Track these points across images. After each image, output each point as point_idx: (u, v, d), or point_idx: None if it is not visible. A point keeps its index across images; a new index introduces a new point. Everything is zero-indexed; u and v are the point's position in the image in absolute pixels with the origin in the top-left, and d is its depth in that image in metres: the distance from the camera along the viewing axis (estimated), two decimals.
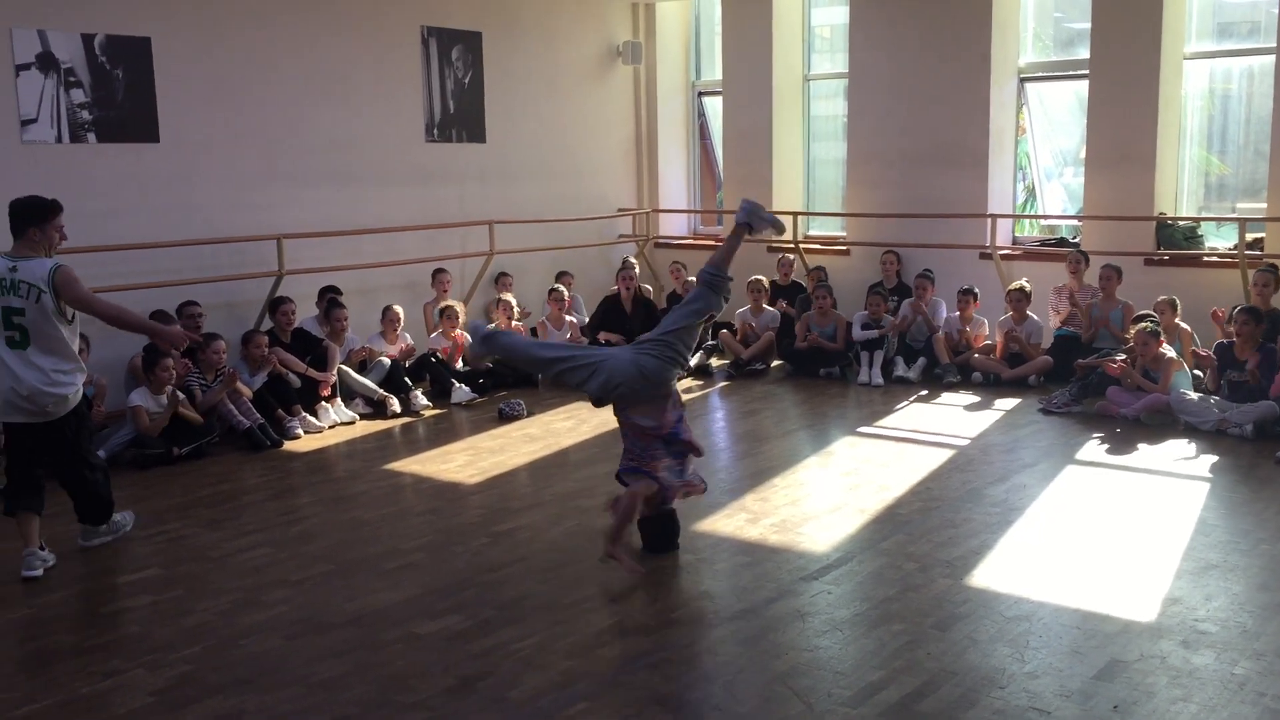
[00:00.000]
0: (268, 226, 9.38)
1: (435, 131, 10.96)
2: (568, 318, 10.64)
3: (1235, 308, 8.47)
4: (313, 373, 8.71)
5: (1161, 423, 8.24)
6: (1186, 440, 7.83)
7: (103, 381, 7.75)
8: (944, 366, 10.04)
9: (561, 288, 10.75)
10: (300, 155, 9.82)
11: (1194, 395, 8.16)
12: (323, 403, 8.70)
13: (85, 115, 8.48)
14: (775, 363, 10.95)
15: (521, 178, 11.72)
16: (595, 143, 12.71)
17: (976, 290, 10.30)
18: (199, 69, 9.08)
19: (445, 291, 10.47)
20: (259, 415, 8.11)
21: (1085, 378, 8.85)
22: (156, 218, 8.82)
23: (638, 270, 12.25)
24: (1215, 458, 7.40)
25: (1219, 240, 10.36)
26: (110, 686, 4.32)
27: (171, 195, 8.96)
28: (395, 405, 9.05)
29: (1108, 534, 5.95)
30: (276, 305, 8.95)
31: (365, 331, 9.65)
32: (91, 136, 8.53)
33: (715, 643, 4.71)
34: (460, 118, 11.18)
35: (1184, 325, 9.12)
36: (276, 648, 4.67)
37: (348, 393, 9.04)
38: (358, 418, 8.86)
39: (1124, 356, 8.66)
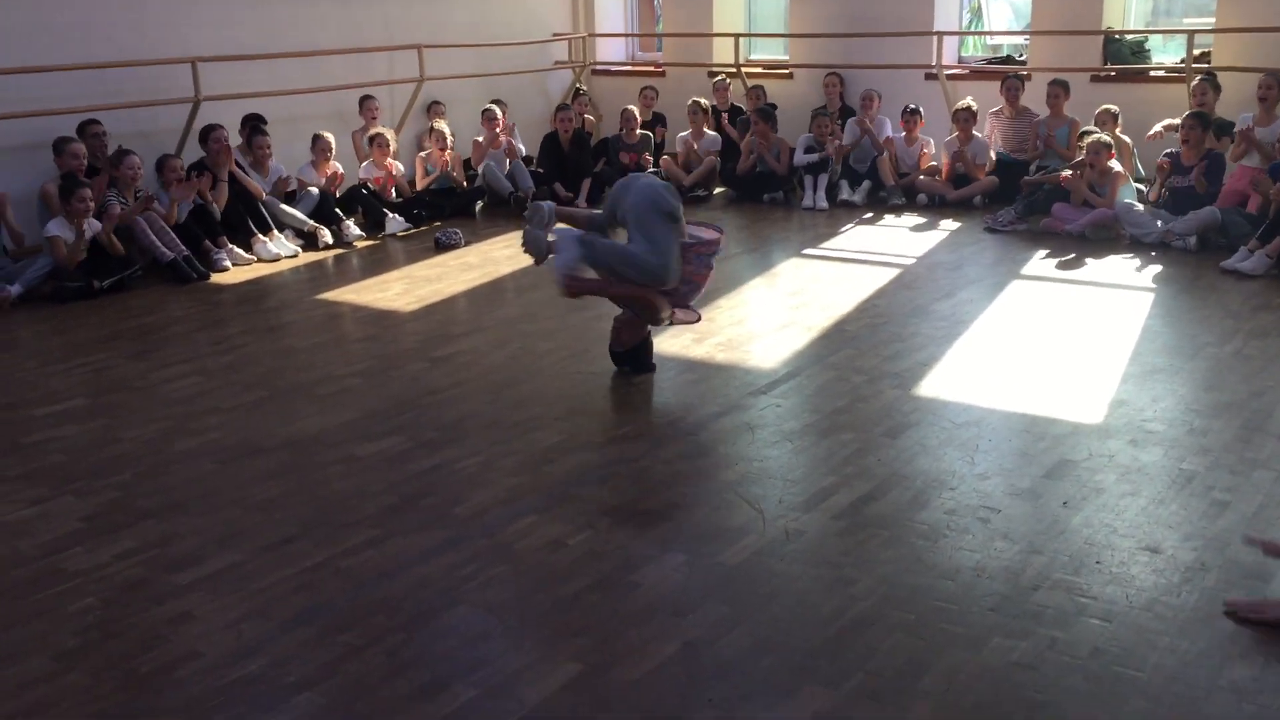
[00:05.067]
0: (180, 49, 8.83)
1: None
2: (504, 138, 10.25)
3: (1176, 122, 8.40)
4: (250, 183, 8.44)
5: (1106, 238, 8.20)
6: (1131, 254, 7.81)
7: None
8: (889, 189, 9.88)
9: (495, 108, 10.33)
10: None
11: (1139, 206, 8.11)
12: (261, 237, 8.33)
13: None
14: (718, 189, 10.72)
15: None
16: None
17: (921, 110, 10.07)
18: None
19: (374, 119, 10.01)
20: (184, 247, 7.76)
21: (1031, 194, 8.75)
22: (54, 38, 8.20)
23: (589, 99, 11.83)
24: (1159, 268, 7.40)
25: (1165, 55, 10.19)
26: (37, 514, 4.14)
27: (70, 13, 8.34)
28: (327, 237, 8.72)
29: (1054, 343, 5.93)
30: (208, 134, 8.45)
31: (291, 162, 9.23)
32: None
33: (664, 456, 4.62)
34: None
35: (1125, 138, 8.99)
36: (210, 472, 4.51)
37: (277, 225, 8.67)
38: (300, 250, 8.52)
39: (1069, 173, 8.55)
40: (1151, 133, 8.97)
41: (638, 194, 5.35)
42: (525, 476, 4.41)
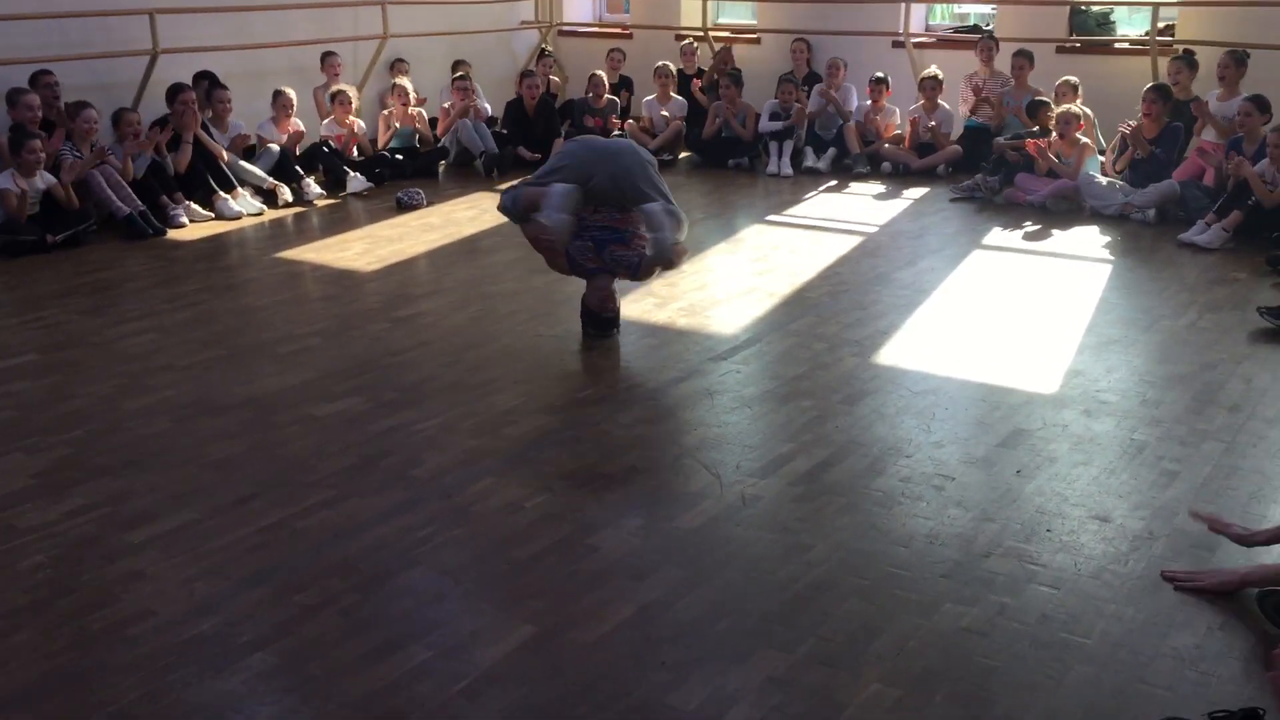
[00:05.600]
0: (139, 0, 8.64)
1: None
2: (472, 102, 10.16)
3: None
4: (213, 145, 8.30)
5: (1067, 209, 8.26)
6: (1090, 225, 7.87)
7: None
8: (854, 157, 9.89)
9: (468, 78, 10.23)
10: None
11: (1101, 179, 8.17)
12: (222, 194, 8.20)
13: None
14: (683, 154, 10.68)
15: None
16: None
17: (888, 79, 10.06)
18: None
19: (336, 75, 9.87)
20: (139, 202, 7.63)
21: (1014, 166, 8.68)
22: None
23: (554, 60, 11.71)
24: (1118, 240, 7.47)
25: (1131, 28, 10.23)
26: None
27: None
28: (286, 194, 8.60)
29: (1012, 313, 5.98)
30: (175, 93, 8.27)
31: (252, 118, 9.09)
32: None
33: (623, 420, 4.63)
34: None
35: (1086, 109, 9.02)
36: (166, 430, 4.47)
37: (238, 181, 8.54)
38: (265, 208, 8.39)
39: (1030, 139, 8.57)
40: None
41: (624, 161, 5.33)
42: (484, 439, 4.40)
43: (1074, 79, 9.01)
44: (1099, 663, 2.95)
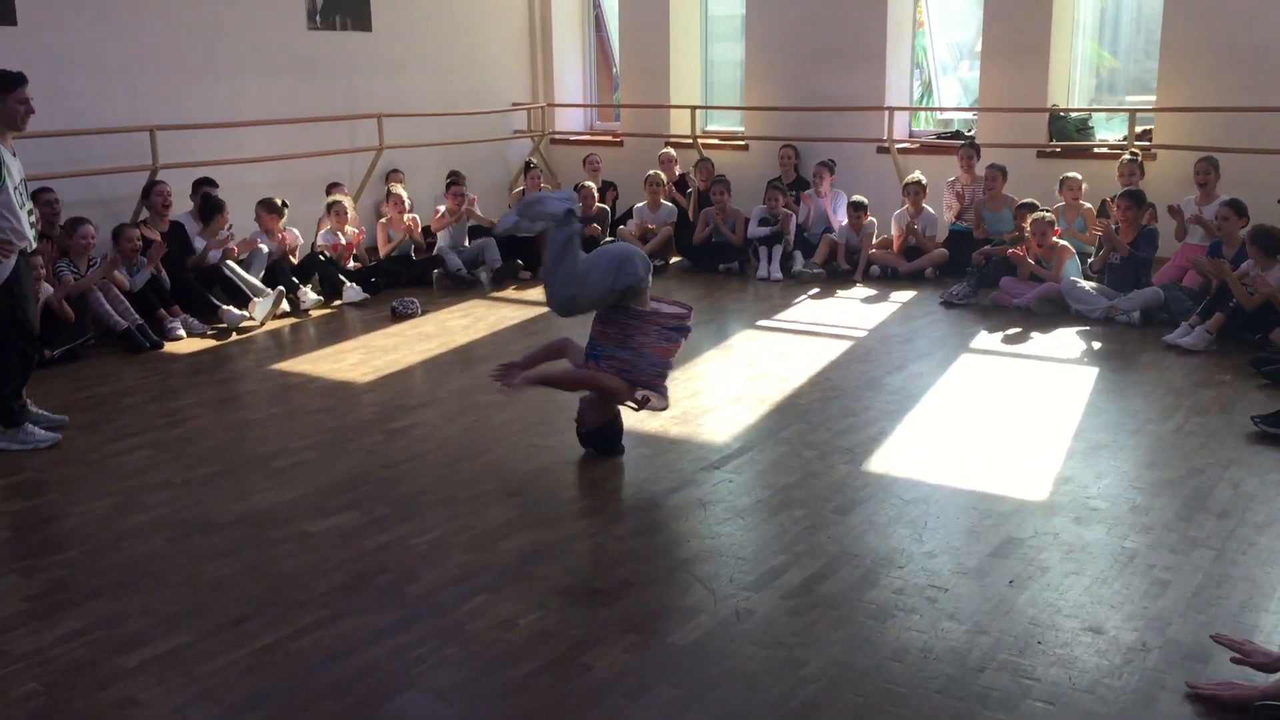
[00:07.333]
0: (140, 117, 8.87)
1: (318, 18, 10.44)
2: (469, 208, 10.36)
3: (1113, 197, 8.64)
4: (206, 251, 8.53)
5: (1052, 312, 8.37)
6: (1076, 328, 7.98)
7: None
8: (808, 263, 10.05)
9: (463, 188, 10.47)
10: (173, 42, 9.26)
11: (1084, 283, 8.31)
12: (224, 308, 8.33)
13: None
14: (674, 259, 10.85)
15: (410, 69, 11.28)
16: (487, 33, 12.26)
17: (866, 203, 10.15)
18: None
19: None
20: (137, 316, 7.73)
21: (982, 268, 8.92)
22: None
23: (540, 172, 11.95)
24: (1103, 344, 7.56)
25: (1109, 133, 10.49)
26: None
27: (32, 82, 8.34)
28: (309, 295, 8.78)
29: (1001, 419, 6.03)
30: (151, 188, 8.51)
31: (248, 229, 9.23)
32: None
33: (616, 533, 4.65)
34: (344, 4, 10.65)
35: (1087, 204, 9.22)
36: (160, 549, 4.47)
37: (230, 290, 8.64)
38: (282, 305, 8.63)
39: (1013, 248, 8.74)
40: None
41: (618, 249, 5.48)
42: (478, 553, 4.42)
43: (1078, 175, 9.22)
44: None
